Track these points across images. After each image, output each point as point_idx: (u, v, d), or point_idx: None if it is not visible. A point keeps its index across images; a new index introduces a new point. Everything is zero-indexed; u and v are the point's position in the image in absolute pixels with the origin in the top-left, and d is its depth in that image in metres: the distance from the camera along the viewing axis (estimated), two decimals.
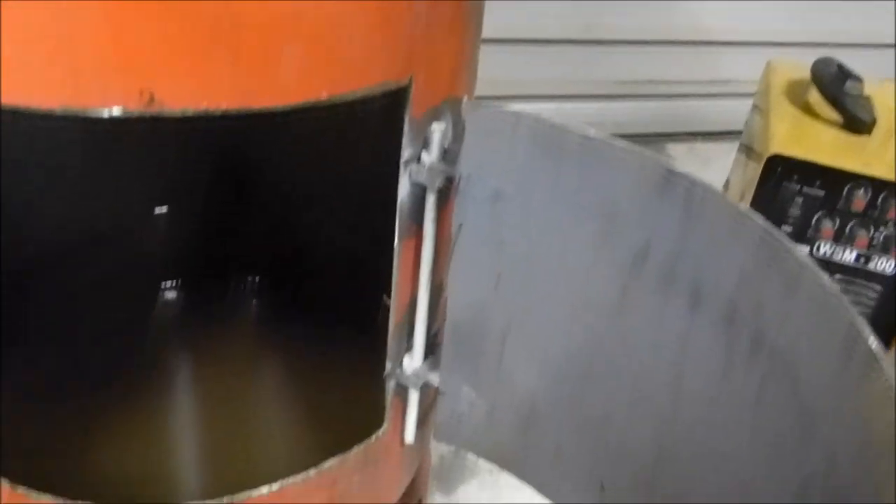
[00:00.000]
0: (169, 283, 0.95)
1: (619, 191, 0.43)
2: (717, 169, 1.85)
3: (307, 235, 0.95)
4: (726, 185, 1.37)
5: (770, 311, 0.41)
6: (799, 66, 1.16)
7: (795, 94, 1.11)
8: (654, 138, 1.94)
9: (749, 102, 1.28)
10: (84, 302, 0.89)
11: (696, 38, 1.90)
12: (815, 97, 1.07)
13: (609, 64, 1.87)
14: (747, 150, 1.10)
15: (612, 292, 0.47)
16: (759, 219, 0.39)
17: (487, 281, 0.53)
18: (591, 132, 0.44)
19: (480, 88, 0.57)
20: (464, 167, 0.49)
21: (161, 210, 0.95)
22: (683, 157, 1.94)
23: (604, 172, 0.44)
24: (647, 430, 0.50)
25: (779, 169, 0.92)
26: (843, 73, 1.06)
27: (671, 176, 0.40)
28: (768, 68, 1.23)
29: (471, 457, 0.89)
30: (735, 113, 1.99)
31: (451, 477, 0.94)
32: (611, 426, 0.53)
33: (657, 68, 1.91)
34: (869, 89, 1.07)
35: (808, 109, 1.06)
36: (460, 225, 0.51)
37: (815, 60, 1.12)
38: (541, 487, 0.61)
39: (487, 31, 0.55)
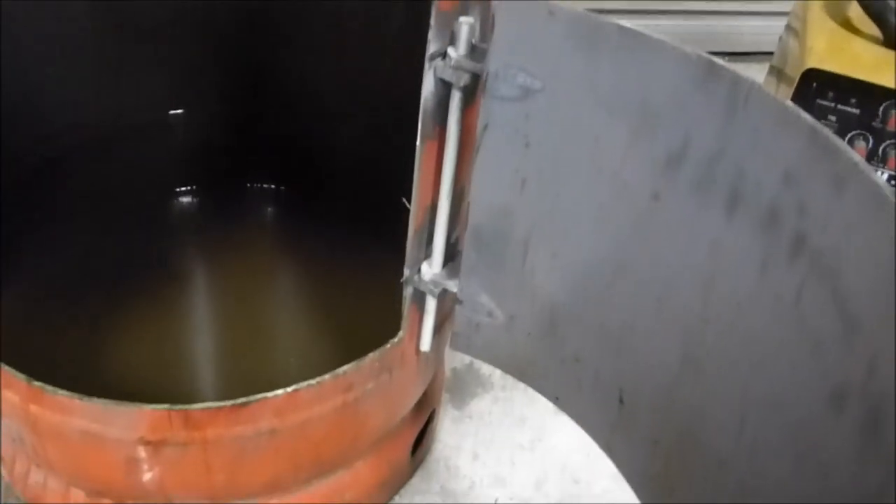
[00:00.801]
0: (184, 188, 0.93)
1: (656, 86, 0.41)
2: None
3: (327, 136, 0.93)
4: None
5: (815, 212, 0.39)
6: None
7: (835, 9, 1.06)
8: None
9: (777, 22, 1.23)
10: (98, 202, 0.88)
11: None
12: (856, 11, 1.02)
13: None
14: (778, 74, 1.06)
15: (643, 195, 0.45)
16: (806, 116, 0.37)
17: (511, 184, 0.51)
18: (629, 24, 0.42)
19: None
20: (492, 64, 0.47)
21: (176, 112, 0.93)
22: None
23: (641, 67, 0.41)
24: (673, 340, 0.48)
25: (814, 84, 0.88)
26: None
27: (713, 70, 0.38)
28: None
29: (484, 370, 0.88)
30: (762, 34, 1.93)
31: (463, 390, 0.93)
32: (634, 335, 0.52)
33: None
34: None
35: (847, 25, 1.01)
36: (486, 125, 0.49)
37: None
38: (557, 400, 0.60)
39: None
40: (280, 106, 0.95)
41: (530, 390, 0.74)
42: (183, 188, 0.93)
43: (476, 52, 0.49)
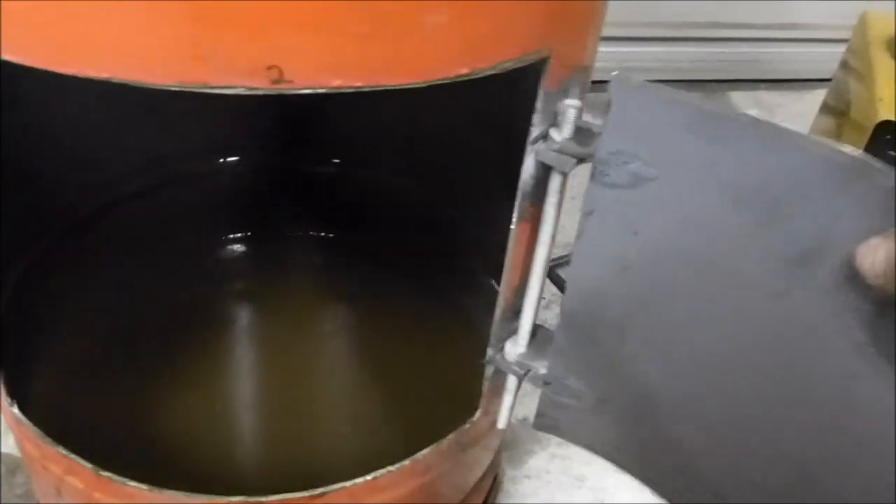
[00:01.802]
0: (232, 236, 0.91)
1: (791, 181, 0.38)
2: (782, 118, 1.78)
3: (377, 184, 0.90)
4: None
5: None
6: None
7: None
8: (717, 85, 1.86)
9: (819, 49, 1.20)
10: (145, 252, 0.85)
11: None
12: None
13: (671, 5, 1.77)
14: (838, 114, 1.03)
15: (764, 292, 0.42)
16: None
17: (612, 270, 0.48)
18: (751, 117, 0.39)
19: None
20: (602, 149, 0.44)
21: (224, 160, 0.91)
22: (748, 107, 1.86)
23: (775, 162, 0.38)
24: (803, 440, 0.46)
25: (887, 136, 0.85)
26: None
27: (865, 170, 0.35)
28: (863, 22, 1.14)
29: None
30: (804, 61, 1.90)
31: (519, 447, 0.91)
32: (736, 433, 0.49)
33: (722, 10, 1.81)
34: None
35: None
36: (591, 211, 0.46)
37: None
38: (647, 481, 0.58)
39: None
40: (329, 152, 0.93)
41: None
42: (231, 236, 0.90)
43: (581, 134, 0.46)
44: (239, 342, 0.82)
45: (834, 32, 1.77)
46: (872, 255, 0.37)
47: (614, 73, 0.41)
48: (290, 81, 0.34)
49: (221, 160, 0.91)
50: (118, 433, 0.69)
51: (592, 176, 0.45)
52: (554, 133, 0.46)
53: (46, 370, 0.73)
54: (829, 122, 1.09)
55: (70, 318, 0.79)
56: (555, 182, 0.48)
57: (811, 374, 0.43)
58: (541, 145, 0.46)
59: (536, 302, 0.54)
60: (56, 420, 0.68)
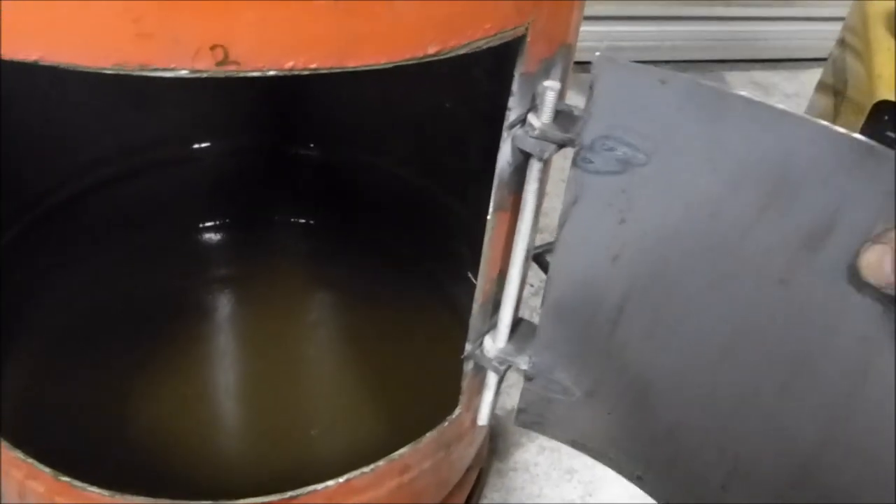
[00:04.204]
0: (210, 223, 0.88)
1: (794, 161, 0.35)
2: (779, 98, 1.75)
3: (362, 168, 0.87)
4: None
5: None
6: None
7: None
8: (712, 65, 1.82)
9: (812, 27, 1.16)
10: (122, 238, 0.83)
11: None
12: None
13: None
14: (836, 94, 1.00)
15: (769, 277, 0.40)
16: None
17: (600, 259, 0.45)
18: (751, 96, 0.36)
19: None
20: (586, 134, 0.41)
21: (202, 144, 0.88)
22: (742, 87, 1.83)
23: (776, 141, 0.36)
24: (802, 436, 0.43)
25: (885, 117, 0.82)
26: None
27: (872, 153, 0.32)
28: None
29: None
30: (798, 39, 1.87)
31: (507, 440, 0.88)
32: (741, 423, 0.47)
33: None
34: None
35: None
36: (575, 200, 0.43)
37: None
38: (635, 479, 0.55)
39: None
40: (312, 136, 0.90)
41: None
42: (210, 223, 0.87)
43: (563, 119, 0.43)
44: (216, 334, 0.79)
45: (830, 10, 1.74)
46: (878, 267, 0.35)
47: (597, 54, 0.38)
48: (237, 63, 0.31)
49: (200, 145, 0.88)
50: (90, 432, 0.67)
51: (574, 162, 0.42)
52: (532, 118, 0.43)
53: (15, 365, 0.70)
54: (826, 101, 1.06)
55: (41, 310, 0.76)
56: (534, 169, 0.45)
57: (816, 362, 0.40)
58: (518, 130, 0.43)
59: (517, 295, 0.51)
60: (25, 419, 0.65)
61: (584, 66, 0.46)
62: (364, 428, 0.69)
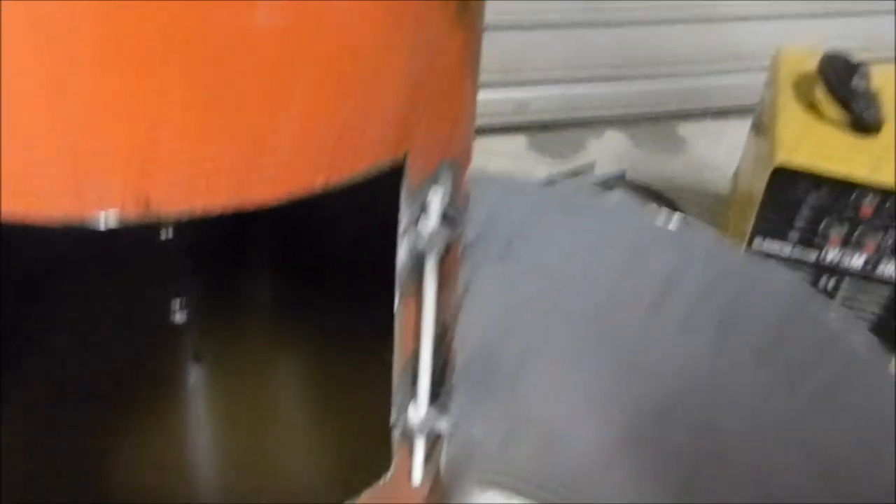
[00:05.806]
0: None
1: (640, 236, 0.43)
2: (728, 146, 1.84)
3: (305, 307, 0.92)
4: (736, 174, 1.36)
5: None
6: (809, 57, 1.14)
7: (802, 90, 1.09)
8: (666, 118, 1.92)
9: (760, 77, 1.26)
10: (87, 311, 0.88)
11: (703, 14, 1.87)
12: (821, 94, 1.06)
13: (616, 44, 1.85)
14: (757, 128, 1.09)
15: (635, 321, 0.47)
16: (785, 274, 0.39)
17: (498, 321, 0.53)
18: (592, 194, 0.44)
19: (488, 74, 0.56)
20: (471, 230, 0.49)
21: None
22: (695, 137, 1.93)
23: (625, 224, 0.44)
24: (679, 447, 0.50)
25: (785, 179, 0.91)
26: (850, 68, 1.05)
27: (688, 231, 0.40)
28: (777, 58, 1.21)
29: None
30: (746, 88, 1.97)
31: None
32: (642, 446, 0.54)
33: (666, 46, 1.88)
34: (879, 79, 1.05)
35: (814, 108, 1.04)
36: (466, 290, 0.51)
37: (823, 55, 1.11)
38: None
39: (491, 16, 0.54)
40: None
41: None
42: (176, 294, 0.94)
43: (448, 219, 0.51)
44: (180, 393, 0.85)
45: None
46: None
47: (468, 172, 0.46)
48: (158, 208, 0.39)
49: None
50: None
51: (462, 256, 0.50)
52: (422, 224, 0.51)
53: None
54: (754, 141, 1.15)
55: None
56: (430, 264, 0.53)
57: (675, 390, 0.48)
58: (411, 233, 0.51)
59: (430, 369, 0.59)
60: None
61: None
62: (309, 486, 0.75)
